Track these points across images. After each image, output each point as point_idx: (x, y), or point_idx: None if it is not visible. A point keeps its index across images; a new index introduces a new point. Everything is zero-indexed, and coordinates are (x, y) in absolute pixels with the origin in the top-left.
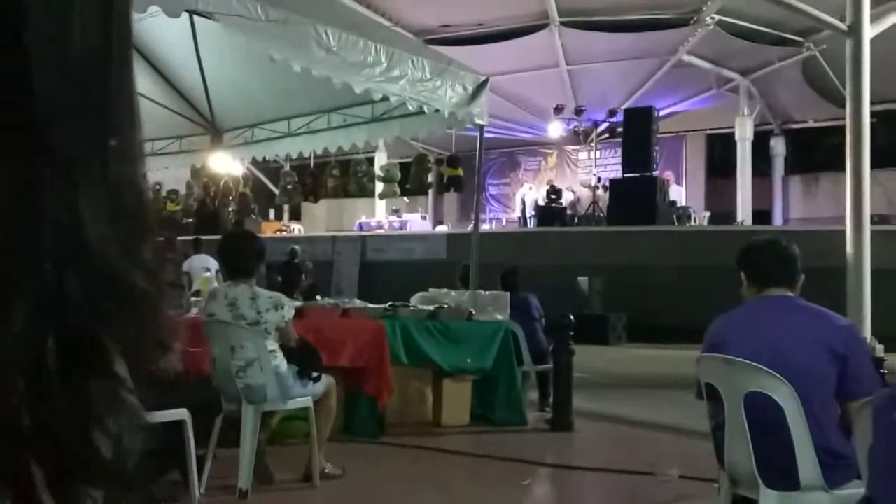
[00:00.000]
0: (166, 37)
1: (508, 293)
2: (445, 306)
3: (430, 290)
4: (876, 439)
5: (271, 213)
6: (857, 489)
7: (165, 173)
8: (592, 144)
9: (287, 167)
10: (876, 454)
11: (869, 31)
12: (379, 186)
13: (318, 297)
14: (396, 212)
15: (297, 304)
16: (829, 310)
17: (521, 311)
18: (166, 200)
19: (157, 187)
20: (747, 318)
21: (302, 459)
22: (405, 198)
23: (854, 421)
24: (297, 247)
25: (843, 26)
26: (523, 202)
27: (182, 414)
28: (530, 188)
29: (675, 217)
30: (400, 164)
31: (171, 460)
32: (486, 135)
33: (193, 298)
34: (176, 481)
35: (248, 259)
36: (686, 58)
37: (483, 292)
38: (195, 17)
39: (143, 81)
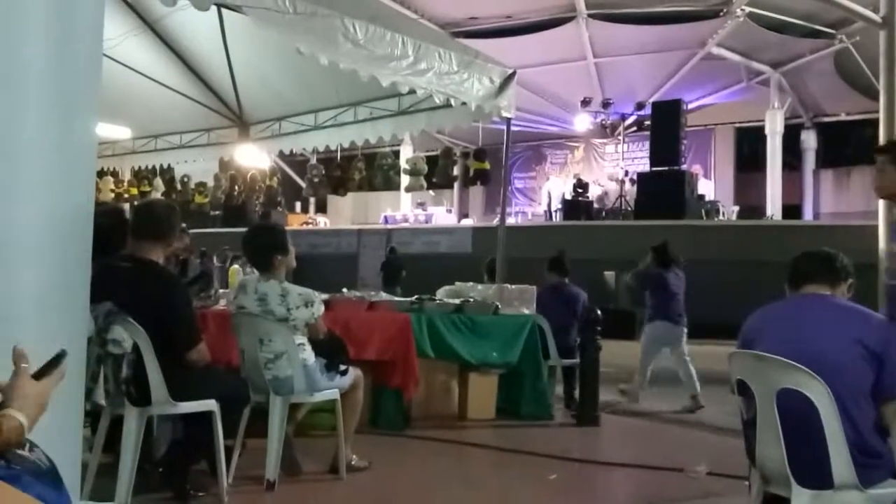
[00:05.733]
0: (195, 30)
1: (535, 287)
2: (471, 300)
3: (457, 283)
4: None
5: (297, 205)
6: (891, 489)
7: (194, 166)
8: (620, 138)
9: (314, 160)
10: None
11: None
12: (405, 180)
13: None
14: (422, 205)
15: (325, 297)
16: (863, 307)
17: (566, 303)
18: (194, 193)
19: (186, 179)
20: (782, 315)
21: (329, 451)
22: (431, 191)
23: (891, 421)
24: (395, 244)
25: (877, 18)
26: (549, 196)
27: (211, 405)
28: (556, 181)
29: (703, 211)
30: (426, 157)
31: (200, 450)
32: (513, 128)
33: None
34: (204, 471)
35: (270, 253)
36: (715, 50)
37: (509, 286)
38: (223, 11)
39: (173, 75)
